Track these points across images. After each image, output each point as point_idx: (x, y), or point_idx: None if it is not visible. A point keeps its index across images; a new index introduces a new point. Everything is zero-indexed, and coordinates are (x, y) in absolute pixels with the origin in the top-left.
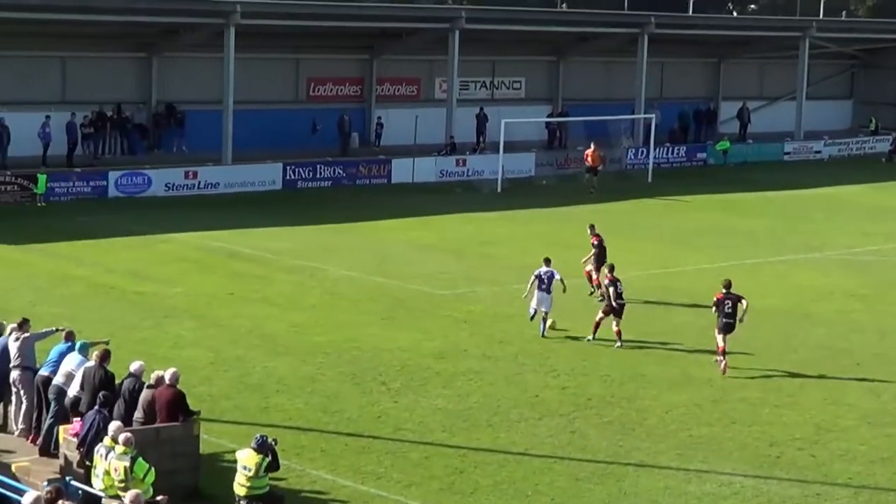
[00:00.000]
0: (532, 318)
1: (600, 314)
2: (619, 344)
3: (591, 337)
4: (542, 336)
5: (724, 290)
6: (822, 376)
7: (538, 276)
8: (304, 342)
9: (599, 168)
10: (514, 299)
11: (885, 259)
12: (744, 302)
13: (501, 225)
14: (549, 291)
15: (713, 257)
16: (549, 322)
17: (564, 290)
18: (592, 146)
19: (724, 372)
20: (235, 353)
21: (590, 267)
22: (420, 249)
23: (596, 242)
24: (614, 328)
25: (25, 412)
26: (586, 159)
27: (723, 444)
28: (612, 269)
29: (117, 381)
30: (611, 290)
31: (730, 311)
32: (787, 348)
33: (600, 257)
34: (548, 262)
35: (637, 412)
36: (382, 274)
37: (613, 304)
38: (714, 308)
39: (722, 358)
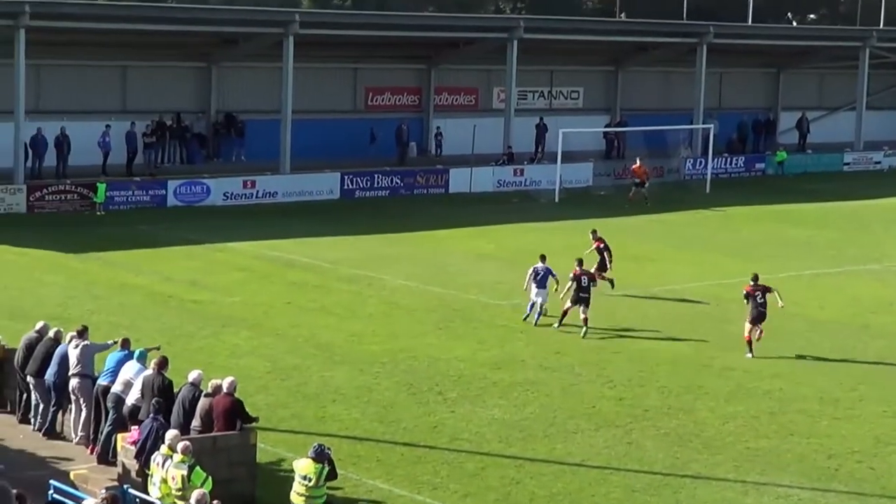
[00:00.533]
0: (529, 310)
1: (568, 304)
2: (584, 330)
3: (556, 325)
4: (535, 325)
5: (752, 283)
6: (881, 388)
7: (535, 271)
8: (361, 352)
9: (647, 182)
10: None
11: None
12: (774, 292)
13: (558, 235)
14: (543, 286)
15: (771, 268)
16: (542, 311)
17: (556, 289)
18: (638, 161)
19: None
20: (292, 362)
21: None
22: (477, 259)
23: (601, 246)
24: (581, 316)
25: (84, 420)
26: (634, 173)
27: (780, 457)
28: (580, 262)
29: (175, 390)
30: (575, 284)
31: (761, 300)
32: (845, 360)
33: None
34: (543, 258)
35: (694, 424)
36: (439, 284)
37: (579, 295)
38: (746, 300)
39: (749, 349)
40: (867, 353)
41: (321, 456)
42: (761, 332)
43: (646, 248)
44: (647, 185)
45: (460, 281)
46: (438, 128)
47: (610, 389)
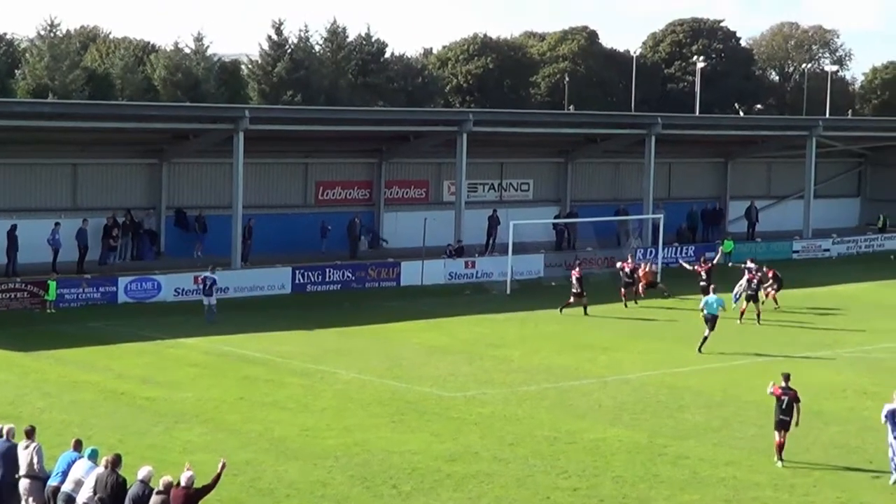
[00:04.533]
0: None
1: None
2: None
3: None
4: None
5: (782, 385)
6: (835, 474)
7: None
8: (315, 446)
9: (654, 281)
10: (524, 400)
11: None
12: (798, 405)
13: (511, 326)
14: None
15: (725, 356)
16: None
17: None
18: (643, 265)
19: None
20: (245, 457)
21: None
22: (430, 352)
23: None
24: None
25: None
26: (642, 279)
27: None
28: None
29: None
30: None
31: (785, 408)
32: (799, 447)
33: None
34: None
35: None
36: (393, 377)
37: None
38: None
39: (777, 456)
40: (821, 439)
41: None
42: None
43: (599, 338)
44: (656, 284)
45: (413, 374)
46: (372, 222)
47: (564, 480)
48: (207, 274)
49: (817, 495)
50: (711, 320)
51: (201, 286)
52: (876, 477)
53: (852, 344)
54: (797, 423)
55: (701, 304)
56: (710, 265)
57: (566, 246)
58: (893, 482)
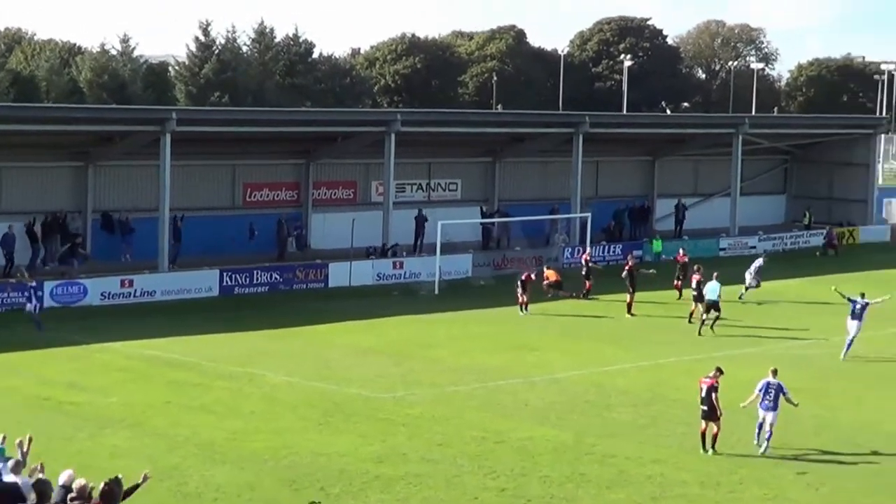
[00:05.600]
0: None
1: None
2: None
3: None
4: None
5: (709, 375)
6: (761, 471)
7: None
8: (243, 449)
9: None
10: (452, 401)
11: (823, 353)
12: (715, 395)
13: (440, 327)
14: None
15: (653, 354)
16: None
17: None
18: (546, 268)
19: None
20: (172, 461)
21: None
22: (358, 353)
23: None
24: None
25: None
26: (547, 279)
27: None
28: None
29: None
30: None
31: (704, 396)
32: (725, 444)
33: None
34: (775, 372)
35: None
36: (321, 378)
37: None
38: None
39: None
40: (747, 436)
41: None
42: (716, 429)
43: (526, 337)
44: (561, 284)
45: (342, 375)
46: (298, 222)
47: (492, 480)
48: (31, 283)
49: (743, 492)
50: (713, 305)
51: (27, 295)
52: (801, 473)
53: (778, 340)
54: (719, 414)
55: (704, 290)
56: (632, 265)
57: (494, 245)
58: (761, 453)
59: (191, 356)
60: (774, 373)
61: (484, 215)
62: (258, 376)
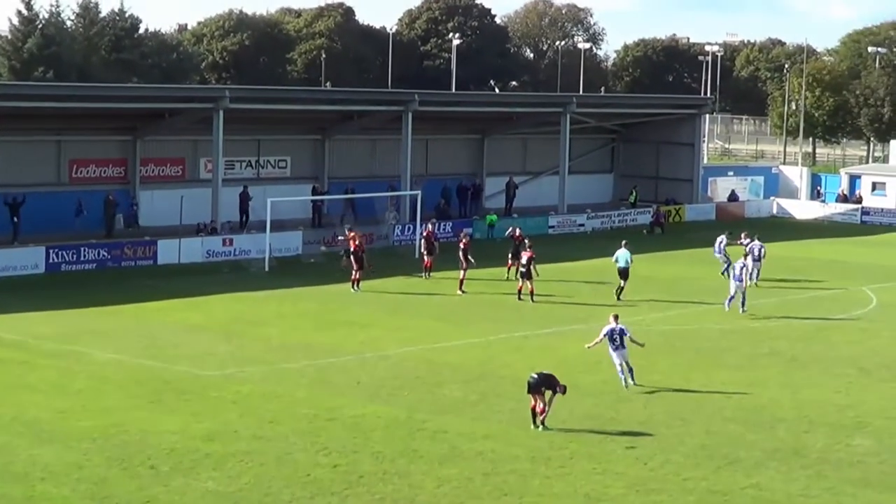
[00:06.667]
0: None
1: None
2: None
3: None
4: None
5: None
6: (590, 446)
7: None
8: (70, 428)
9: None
10: (283, 378)
11: (649, 329)
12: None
13: (270, 304)
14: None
15: (482, 331)
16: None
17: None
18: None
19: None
20: None
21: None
22: (188, 331)
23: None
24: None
25: None
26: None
27: None
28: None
29: None
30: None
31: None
32: (555, 419)
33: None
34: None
35: (409, 488)
36: (150, 356)
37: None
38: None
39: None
40: (576, 411)
41: None
42: (542, 405)
43: (357, 314)
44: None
45: (171, 353)
46: (133, 198)
47: (325, 457)
48: None
49: (573, 466)
50: (623, 273)
51: None
52: (630, 448)
53: (605, 317)
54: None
55: (613, 258)
56: (468, 241)
57: (324, 223)
58: (631, 385)
59: (15, 334)
60: (616, 318)
61: (316, 193)
62: (85, 354)
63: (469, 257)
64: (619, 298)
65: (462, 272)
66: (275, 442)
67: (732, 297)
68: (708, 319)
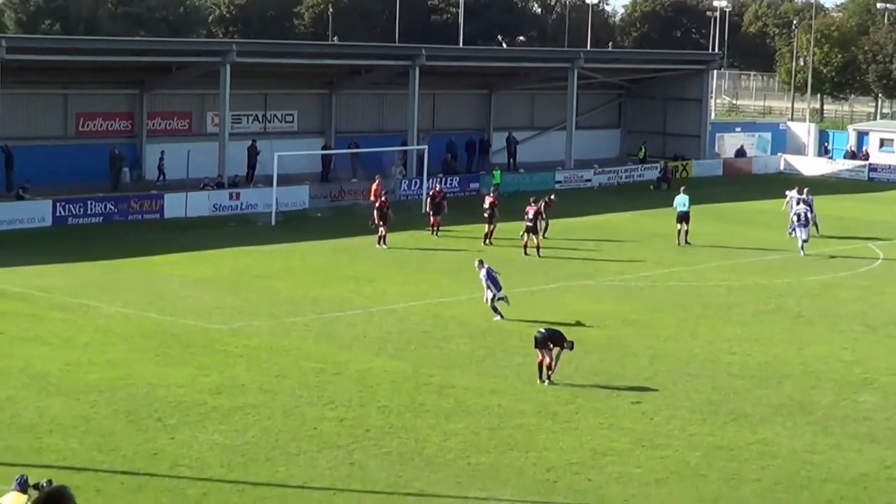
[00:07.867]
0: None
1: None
2: None
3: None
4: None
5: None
6: (596, 401)
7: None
8: (77, 381)
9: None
10: (290, 332)
11: (656, 284)
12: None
13: (277, 258)
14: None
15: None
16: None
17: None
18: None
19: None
20: (5, 393)
21: None
22: (195, 284)
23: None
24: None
25: None
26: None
27: (501, 471)
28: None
29: None
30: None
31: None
32: (562, 374)
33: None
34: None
35: (415, 442)
36: (157, 310)
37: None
38: None
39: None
40: (582, 367)
41: (25, 486)
42: (549, 360)
43: (364, 269)
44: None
45: (178, 306)
46: (163, 152)
47: (331, 411)
48: None
49: (580, 422)
50: (684, 217)
51: None
52: (636, 402)
53: (612, 273)
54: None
55: (674, 205)
56: (494, 197)
57: (332, 177)
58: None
59: (23, 287)
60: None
61: (325, 148)
62: (92, 307)
63: (495, 211)
64: (687, 242)
65: (488, 226)
66: (281, 395)
67: (805, 241)
68: (714, 276)
